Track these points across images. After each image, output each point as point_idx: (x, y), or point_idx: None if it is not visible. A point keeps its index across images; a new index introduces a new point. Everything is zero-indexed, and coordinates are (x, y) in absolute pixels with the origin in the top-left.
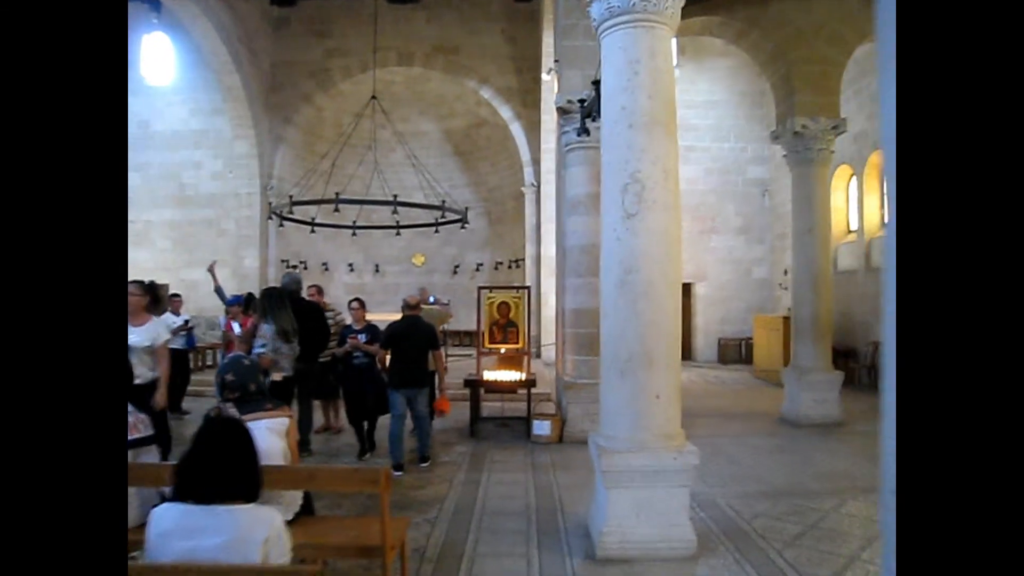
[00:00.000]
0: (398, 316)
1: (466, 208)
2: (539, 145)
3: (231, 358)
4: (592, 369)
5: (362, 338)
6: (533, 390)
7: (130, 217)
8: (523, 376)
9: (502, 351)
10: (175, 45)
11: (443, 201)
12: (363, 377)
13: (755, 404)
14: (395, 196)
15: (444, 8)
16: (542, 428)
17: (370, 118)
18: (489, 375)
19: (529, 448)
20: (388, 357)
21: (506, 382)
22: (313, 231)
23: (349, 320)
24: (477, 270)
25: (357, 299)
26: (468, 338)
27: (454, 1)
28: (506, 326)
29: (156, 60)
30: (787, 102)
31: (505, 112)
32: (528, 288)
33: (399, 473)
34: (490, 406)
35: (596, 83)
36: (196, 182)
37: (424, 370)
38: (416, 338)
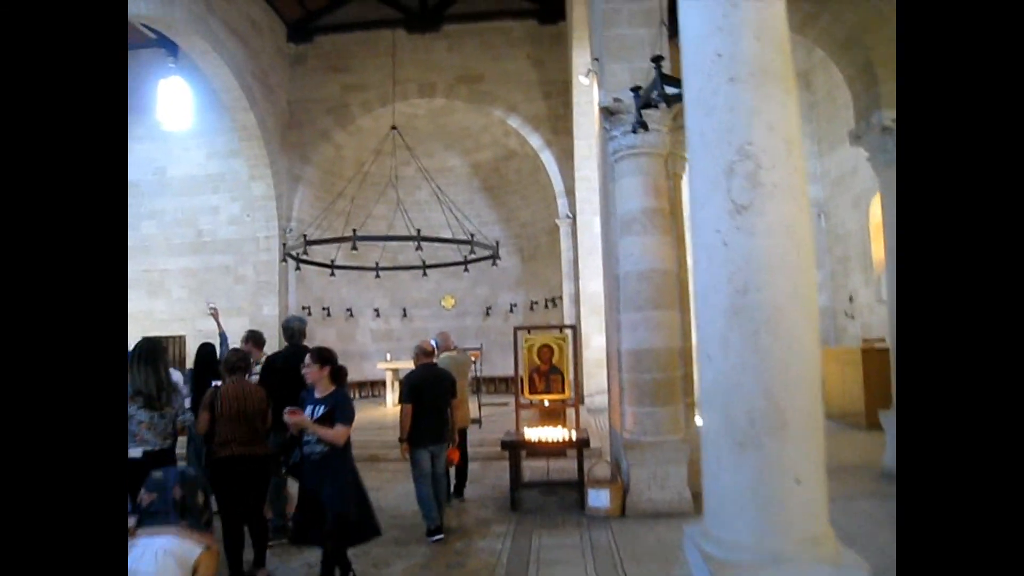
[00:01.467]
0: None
1: (496, 242)
2: (573, 174)
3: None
4: (658, 423)
5: (319, 411)
6: (585, 449)
7: (146, 266)
8: (573, 434)
9: (545, 403)
10: (192, 88)
11: (472, 235)
12: (320, 475)
13: (842, 454)
14: (418, 231)
15: (465, 35)
16: (599, 499)
17: (391, 153)
18: (532, 434)
19: (584, 525)
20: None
21: (553, 442)
22: (333, 274)
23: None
24: (511, 311)
25: (316, 350)
26: (504, 384)
27: (476, 28)
28: (548, 372)
29: (173, 105)
30: (869, 94)
31: (535, 140)
32: (573, 327)
33: (439, 536)
34: (533, 466)
35: (657, 60)
36: (213, 227)
37: (448, 422)
38: (437, 388)
